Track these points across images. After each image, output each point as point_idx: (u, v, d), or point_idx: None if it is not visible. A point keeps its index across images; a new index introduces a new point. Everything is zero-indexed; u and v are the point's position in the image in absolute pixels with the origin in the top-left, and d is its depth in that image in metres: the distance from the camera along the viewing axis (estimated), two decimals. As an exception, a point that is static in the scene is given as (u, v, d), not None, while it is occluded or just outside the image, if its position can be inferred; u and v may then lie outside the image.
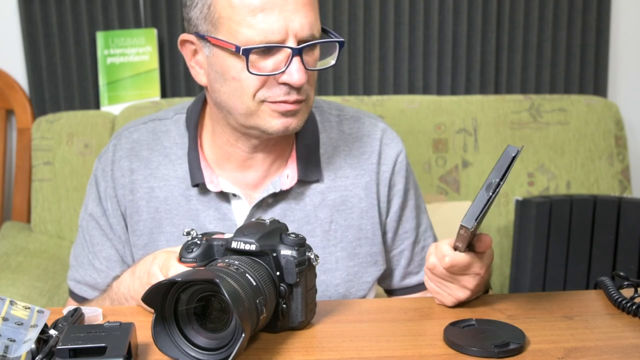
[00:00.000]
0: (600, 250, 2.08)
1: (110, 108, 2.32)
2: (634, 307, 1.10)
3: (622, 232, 2.06)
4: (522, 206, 2.10)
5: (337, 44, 1.23)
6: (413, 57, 2.44)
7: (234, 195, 1.31)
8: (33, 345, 0.92)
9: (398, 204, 1.39)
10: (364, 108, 2.19)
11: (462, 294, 1.14)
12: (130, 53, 2.32)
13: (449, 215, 1.96)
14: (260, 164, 1.31)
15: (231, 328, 0.94)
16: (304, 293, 1.05)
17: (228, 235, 1.07)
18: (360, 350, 1.01)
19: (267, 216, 1.25)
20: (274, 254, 1.03)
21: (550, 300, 1.18)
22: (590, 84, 2.51)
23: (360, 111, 1.43)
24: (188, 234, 1.09)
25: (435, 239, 1.45)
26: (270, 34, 1.15)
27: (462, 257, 1.10)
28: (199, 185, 1.31)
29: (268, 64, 1.18)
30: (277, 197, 1.31)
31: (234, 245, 1.04)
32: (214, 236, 1.09)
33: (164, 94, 2.38)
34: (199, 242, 1.07)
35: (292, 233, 1.05)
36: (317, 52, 1.22)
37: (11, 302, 0.95)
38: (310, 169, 1.32)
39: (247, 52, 1.15)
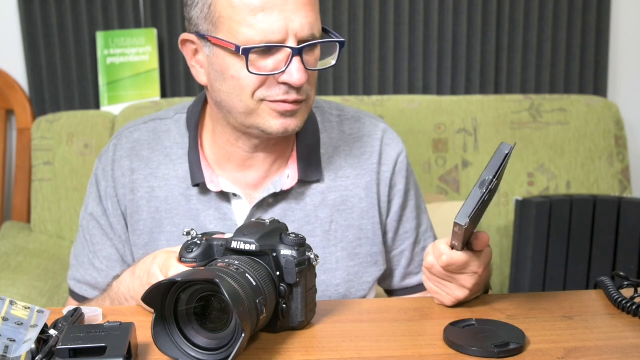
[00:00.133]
0: (600, 250, 2.08)
1: (110, 108, 2.32)
2: (634, 307, 1.10)
3: (622, 232, 2.06)
4: (522, 206, 2.10)
5: (338, 44, 1.23)
6: (413, 57, 2.44)
7: (235, 195, 1.31)
8: (33, 345, 0.92)
9: (399, 204, 1.39)
10: (364, 108, 2.19)
11: (461, 294, 1.14)
12: (130, 53, 2.33)
13: (449, 215, 1.95)
14: (260, 163, 1.31)
15: (231, 328, 0.94)
16: (304, 293, 1.05)
17: (228, 235, 1.07)
18: (360, 350, 1.01)
19: (268, 216, 1.25)
20: (274, 254, 1.03)
21: (550, 300, 1.18)
22: (590, 84, 2.51)
23: (361, 111, 1.43)
24: (188, 234, 1.09)
25: (435, 240, 1.45)
26: (270, 34, 1.15)
27: (460, 256, 1.10)
28: (200, 185, 1.31)
29: (268, 63, 1.18)
30: (278, 197, 1.31)
31: (234, 245, 1.04)
32: (214, 236, 1.09)
33: (164, 94, 2.38)
34: (199, 242, 1.07)
35: (292, 233, 1.05)
36: (317, 52, 1.22)
37: (11, 302, 0.95)
38: (311, 169, 1.32)
39: (247, 52, 1.15)
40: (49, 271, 2.00)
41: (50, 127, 2.21)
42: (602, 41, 2.50)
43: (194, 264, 1.06)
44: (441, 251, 1.11)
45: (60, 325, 1.00)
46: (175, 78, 2.39)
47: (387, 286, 1.46)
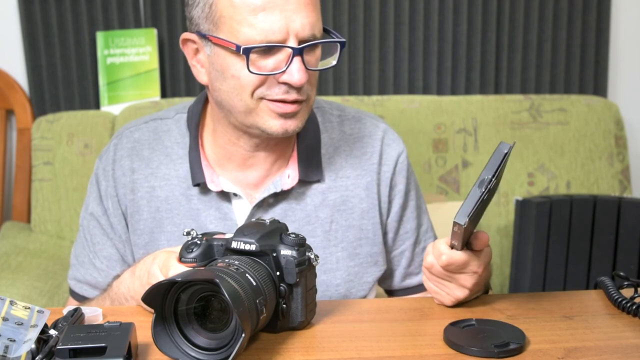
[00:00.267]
0: (600, 250, 2.08)
1: (110, 108, 2.32)
2: (634, 307, 1.10)
3: (622, 232, 2.07)
4: (522, 206, 2.10)
5: (339, 44, 1.23)
6: (413, 57, 2.44)
7: (235, 194, 1.31)
8: (33, 345, 0.92)
9: (399, 205, 1.39)
10: (364, 108, 2.19)
11: (461, 293, 1.13)
12: (130, 53, 2.33)
13: (449, 215, 1.94)
14: (261, 163, 1.31)
15: (231, 328, 0.94)
16: (304, 293, 1.05)
17: (228, 235, 1.07)
18: (360, 350, 1.01)
19: (268, 216, 1.25)
20: (274, 254, 1.03)
21: (550, 300, 1.18)
22: (590, 84, 2.51)
23: (362, 112, 1.43)
24: (188, 234, 1.09)
25: (435, 240, 1.45)
26: (271, 34, 1.15)
27: (459, 255, 1.10)
28: (200, 184, 1.31)
29: (268, 63, 1.18)
30: (278, 197, 1.31)
31: (234, 245, 1.04)
32: (214, 236, 1.09)
33: (164, 94, 2.38)
34: (199, 242, 1.07)
35: (292, 233, 1.05)
36: (318, 52, 1.22)
37: (11, 302, 0.95)
38: (311, 169, 1.32)
39: (247, 52, 1.15)
40: (49, 271, 2.00)
41: (50, 127, 2.21)
42: (602, 41, 2.50)
43: (194, 264, 1.06)
44: (441, 251, 1.11)
45: (60, 325, 1.00)
46: (175, 78, 2.39)
47: (387, 286, 1.46)
